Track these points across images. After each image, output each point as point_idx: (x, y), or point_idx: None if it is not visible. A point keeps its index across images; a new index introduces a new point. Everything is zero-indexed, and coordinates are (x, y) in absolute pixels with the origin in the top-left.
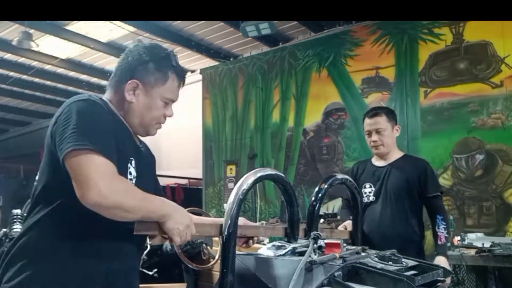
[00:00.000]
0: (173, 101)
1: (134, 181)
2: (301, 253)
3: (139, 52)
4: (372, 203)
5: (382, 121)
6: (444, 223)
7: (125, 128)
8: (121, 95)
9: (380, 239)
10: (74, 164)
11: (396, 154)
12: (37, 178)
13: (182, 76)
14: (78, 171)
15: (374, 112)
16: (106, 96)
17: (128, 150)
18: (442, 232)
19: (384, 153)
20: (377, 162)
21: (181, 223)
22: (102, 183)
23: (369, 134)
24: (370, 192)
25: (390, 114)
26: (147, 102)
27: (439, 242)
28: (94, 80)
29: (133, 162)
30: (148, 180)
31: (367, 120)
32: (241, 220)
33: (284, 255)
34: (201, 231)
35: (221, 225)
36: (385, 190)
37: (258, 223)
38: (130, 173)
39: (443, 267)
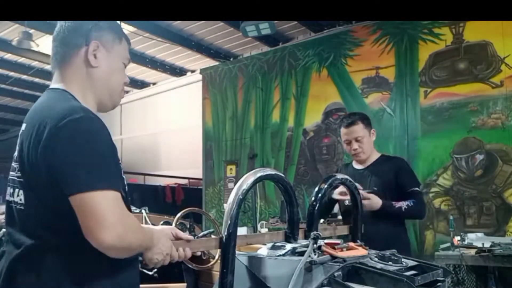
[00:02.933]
0: (129, 62)
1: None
2: (301, 253)
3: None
4: None
5: (359, 129)
6: (411, 204)
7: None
8: (76, 68)
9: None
10: (87, 204)
11: (374, 156)
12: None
13: (128, 38)
14: (91, 212)
15: (350, 121)
16: (57, 85)
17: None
18: (402, 204)
19: (364, 159)
20: (356, 165)
21: (160, 253)
22: (120, 225)
23: (349, 143)
24: None
25: (365, 120)
26: (110, 64)
27: (392, 202)
28: None
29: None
30: None
31: (344, 130)
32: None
33: (283, 255)
34: (204, 246)
35: (221, 238)
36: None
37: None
38: (123, 179)
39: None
